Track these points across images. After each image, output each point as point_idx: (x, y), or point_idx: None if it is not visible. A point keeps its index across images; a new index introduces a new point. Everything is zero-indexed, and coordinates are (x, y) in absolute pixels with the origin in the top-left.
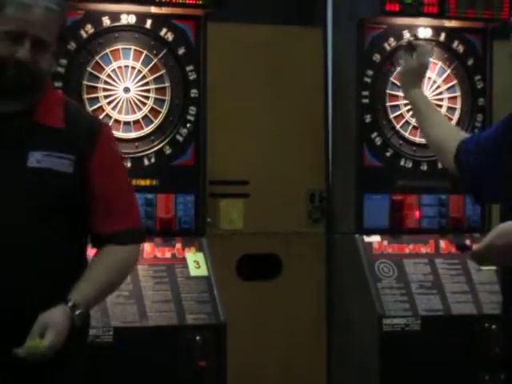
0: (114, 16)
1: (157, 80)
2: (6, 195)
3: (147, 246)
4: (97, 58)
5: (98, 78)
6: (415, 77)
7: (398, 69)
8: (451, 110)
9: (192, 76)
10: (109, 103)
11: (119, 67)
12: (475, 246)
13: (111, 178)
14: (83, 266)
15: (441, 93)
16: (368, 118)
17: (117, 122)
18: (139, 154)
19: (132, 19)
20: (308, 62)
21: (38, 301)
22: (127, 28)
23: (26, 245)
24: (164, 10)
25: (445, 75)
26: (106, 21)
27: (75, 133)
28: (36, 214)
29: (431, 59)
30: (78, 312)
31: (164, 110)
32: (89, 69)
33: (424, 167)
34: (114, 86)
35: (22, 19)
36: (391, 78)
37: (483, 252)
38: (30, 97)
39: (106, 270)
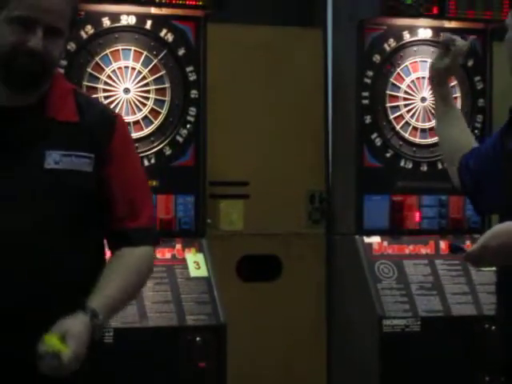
0: (114, 17)
1: (157, 81)
2: (21, 201)
3: None
4: (97, 58)
5: (98, 78)
6: (443, 76)
7: (430, 61)
8: None
9: (192, 77)
10: (109, 104)
11: (119, 68)
12: (470, 248)
13: (130, 172)
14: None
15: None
16: (368, 119)
17: None
18: (139, 155)
19: (132, 20)
20: (308, 63)
21: (56, 310)
22: (127, 29)
23: (45, 251)
24: (164, 11)
25: None
26: (106, 21)
27: (91, 126)
28: (55, 220)
29: (431, 60)
30: (97, 322)
31: (164, 111)
32: (89, 69)
33: (424, 168)
34: (114, 86)
35: (37, 6)
36: (391, 79)
37: (478, 253)
38: (40, 88)
39: (125, 274)
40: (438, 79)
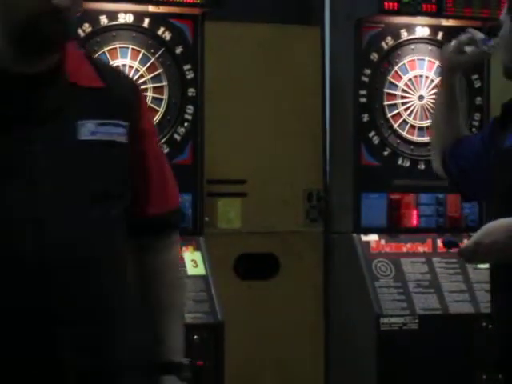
0: (112, 15)
1: (154, 79)
2: (59, 181)
3: None
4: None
5: None
6: (459, 68)
7: (445, 47)
8: None
9: (189, 75)
10: None
11: (117, 66)
12: (464, 244)
13: (157, 146)
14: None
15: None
16: (365, 118)
17: None
18: None
19: (129, 18)
20: (306, 62)
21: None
22: (125, 27)
23: (90, 241)
24: (162, 9)
25: None
26: (104, 20)
27: (118, 92)
28: (101, 202)
29: (428, 58)
30: (187, 375)
31: (161, 109)
32: None
33: (421, 166)
34: None
35: None
36: (389, 77)
37: (471, 249)
38: (58, 52)
39: (176, 304)
40: (452, 69)
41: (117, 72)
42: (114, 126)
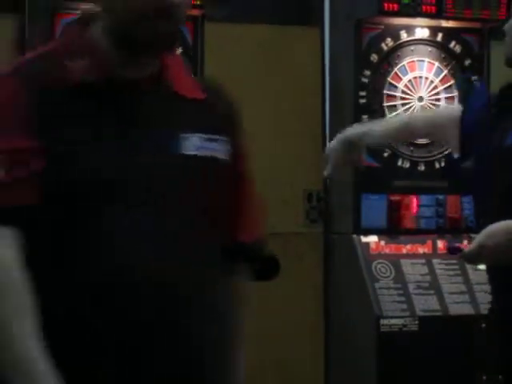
0: None
1: None
2: (162, 198)
3: None
4: None
5: None
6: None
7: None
8: None
9: None
10: None
11: None
12: (467, 247)
13: (248, 171)
14: None
15: (438, 93)
16: (365, 119)
17: None
18: None
19: None
20: (306, 62)
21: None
22: None
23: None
24: None
25: (442, 75)
26: None
27: (219, 106)
28: (206, 221)
29: (428, 59)
30: None
31: None
32: None
33: (421, 167)
34: None
35: None
36: (388, 78)
37: (475, 252)
38: (163, 57)
39: None
40: None
41: (214, 84)
42: (217, 142)
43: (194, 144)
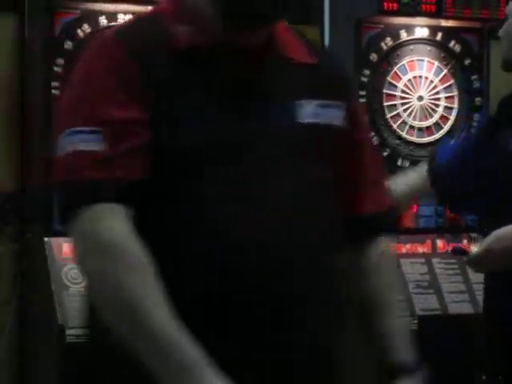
0: (111, 16)
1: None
2: (279, 167)
3: None
4: None
5: None
6: None
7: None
8: (448, 109)
9: None
10: None
11: None
12: (472, 251)
13: (372, 144)
14: None
15: (438, 92)
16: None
17: None
18: None
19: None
20: None
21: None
22: None
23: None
24: None
25: (441, 75)
26: (103, 20)
27: (331, 70)
28: (322, 192)
29: (428, 58)
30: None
31: None
32: None
33: None
34: None
35: None
36: (388, 78)
37: (481, 256)
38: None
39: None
40: None
41: (324, 48)
42: (333, 108)
43: (309, 111)
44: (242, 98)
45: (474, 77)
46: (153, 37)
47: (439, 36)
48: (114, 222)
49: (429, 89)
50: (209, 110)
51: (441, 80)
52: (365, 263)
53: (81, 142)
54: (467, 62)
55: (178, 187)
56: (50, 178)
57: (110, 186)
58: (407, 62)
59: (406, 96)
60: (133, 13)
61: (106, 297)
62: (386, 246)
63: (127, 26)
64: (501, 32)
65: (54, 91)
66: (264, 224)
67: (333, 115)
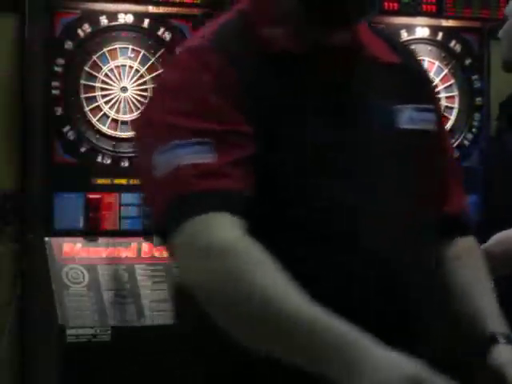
0: (112, 15)
1: (155, 79)
2: (381, 176)
3: (145, 246)
4: (94, 57)
5: (95, 77)
6: None
7: None
8: (449, 109)
9: None
10: (106, 102)
11: (117, 66)
12: None
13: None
14: None
15: (438, 92)
16: None
17: (114, 121)
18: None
19: (129, 19)
20: None
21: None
22: (125, 27)
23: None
24: (161, 10)
25: (442, 75)
26: (104, 20)
27: (416, 70)
28: (424, 204)
29: (428, 58)
30: None
31: None
32: (86, 68)
33: None
34: (111, 85)
35: None
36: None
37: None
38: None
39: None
40: None
41: (404, 45)
42: (427, 112)
43: (408, 116)
44: (342, 104)
45: (475, 77)
46: (245, 42)
47: (440, 36)
48: (231, 227)
49: None
50: (310, 120)
51: (441, 80)
52: (454, 255)
53: (188, 154)
54: (468, 61)
55: (279, 200)
56: (146, 195)
57: (222, 195)
58: None
59: None
60: (133, 13)
61: (234, 299)
62: (472, 243)
63: (216, 31)
64: (501, 32)
65: (53, 91)
66: (387, 235)
67: (427, 119)
